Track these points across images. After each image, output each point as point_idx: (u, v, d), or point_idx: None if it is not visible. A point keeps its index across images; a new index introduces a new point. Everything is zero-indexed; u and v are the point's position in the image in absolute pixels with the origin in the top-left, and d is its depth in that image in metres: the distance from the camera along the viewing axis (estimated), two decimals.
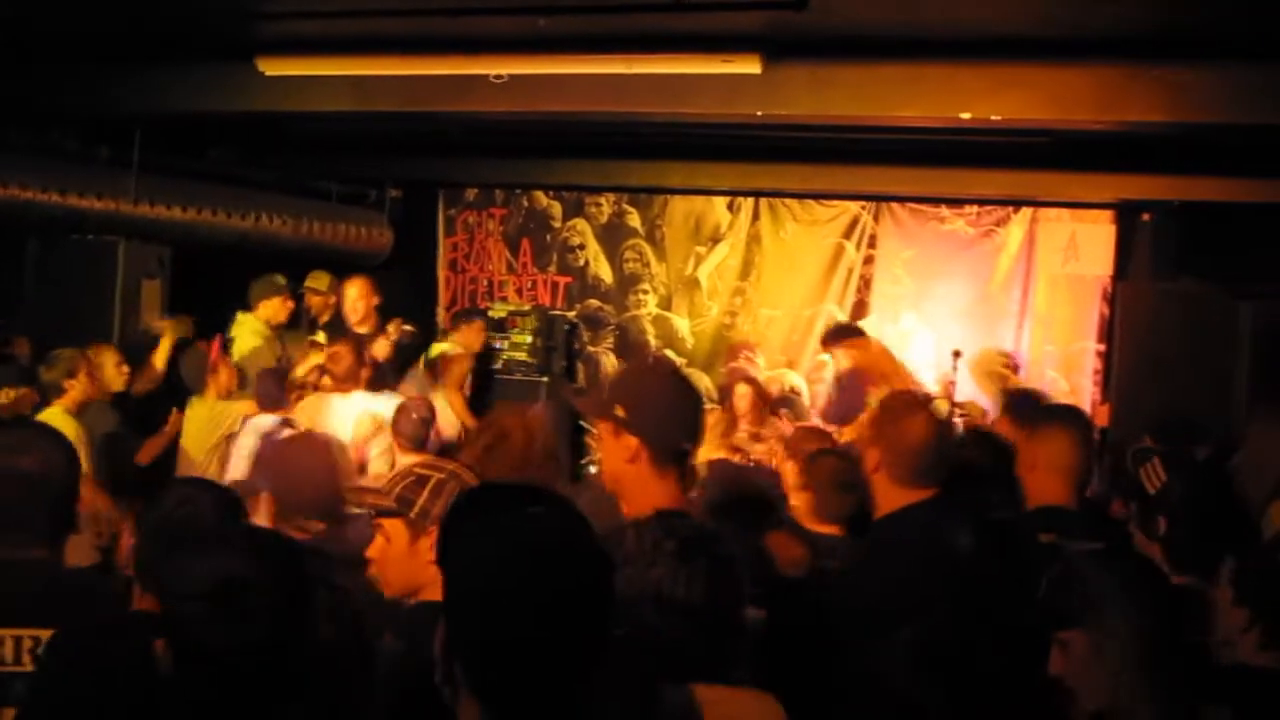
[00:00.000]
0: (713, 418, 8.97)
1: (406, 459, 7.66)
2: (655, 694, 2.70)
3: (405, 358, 10.62)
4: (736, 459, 8.03)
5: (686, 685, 2.81)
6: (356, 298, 10.39)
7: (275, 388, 8.64)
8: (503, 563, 2.14)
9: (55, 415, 7.86)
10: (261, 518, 4.63)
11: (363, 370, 8.90)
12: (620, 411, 3.47)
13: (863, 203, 12.98)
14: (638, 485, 3.46)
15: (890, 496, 4.16)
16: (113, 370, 8.89)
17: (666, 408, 3.52)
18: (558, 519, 2.23)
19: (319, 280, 10.97)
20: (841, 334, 10.99)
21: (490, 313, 13.13)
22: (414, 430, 7.82)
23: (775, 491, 6.12)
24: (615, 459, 3.48)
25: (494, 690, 2.12)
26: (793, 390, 13.07)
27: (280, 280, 10.40)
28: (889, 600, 3.69)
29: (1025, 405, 7.93)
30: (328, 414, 8.40)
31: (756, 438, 10.02)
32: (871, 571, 4.05)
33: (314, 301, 11.00)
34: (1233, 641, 3.71)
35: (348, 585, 3.32)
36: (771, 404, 11.52)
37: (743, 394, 10.96)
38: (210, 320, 10.95)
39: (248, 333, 9.93)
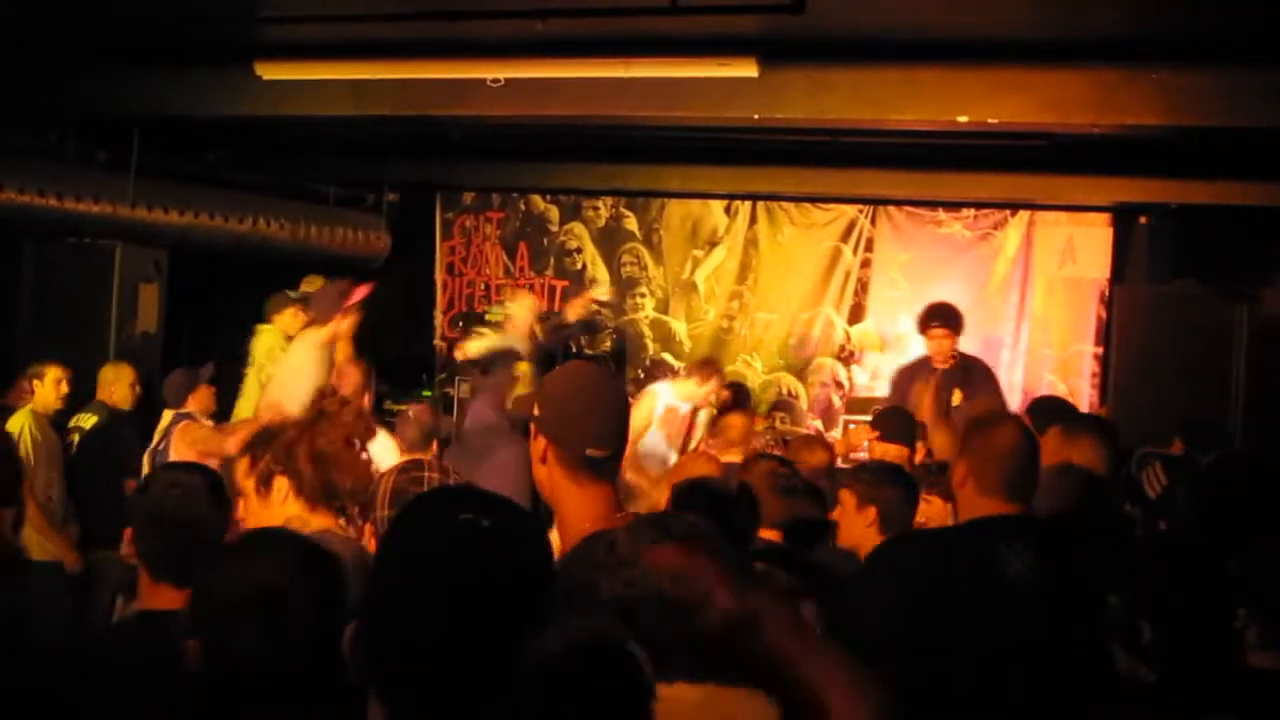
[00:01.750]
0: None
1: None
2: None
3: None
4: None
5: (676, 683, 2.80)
6: (529, 310, 10.18)
7: (180, 384, 8.46)
8: (407, 565, 2.11)
9: (22, 414, 8.29)
10: None
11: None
12: (536, 410, 3.28)
13: (860, 206, 12.99)
14: (557, 492, 3.24)
15: (976, 505, 4.03)
16: (124, 388, 8.91)
17: (574, 408, 3.26)
18: (486, 528, 2.14)
19: (314, 284, 10.96)
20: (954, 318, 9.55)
21: (487, 316, 13.13)
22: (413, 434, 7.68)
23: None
24: (535, 462, 3.28)
25: (393, 692, 2.09)
26: (789, 392, 13.08)
27: (290, 293, 10.32)
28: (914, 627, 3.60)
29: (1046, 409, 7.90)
30: None
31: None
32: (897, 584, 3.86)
33: None
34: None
35: None
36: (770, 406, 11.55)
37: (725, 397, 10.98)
38: (206, 323, 10.98)
39: (269, 339, 9.81)
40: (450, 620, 2.05)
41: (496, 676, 2.09)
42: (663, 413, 9.83)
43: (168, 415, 8.38)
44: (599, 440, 3.22)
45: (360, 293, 9.05)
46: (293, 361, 8.58)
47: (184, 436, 8.03)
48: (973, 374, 9.21)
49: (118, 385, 8.90)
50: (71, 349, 8.73)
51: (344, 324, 8.97)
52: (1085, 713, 3.66)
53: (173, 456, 7.92)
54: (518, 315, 10.30)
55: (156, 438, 8.31)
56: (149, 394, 9.12)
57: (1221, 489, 5.65)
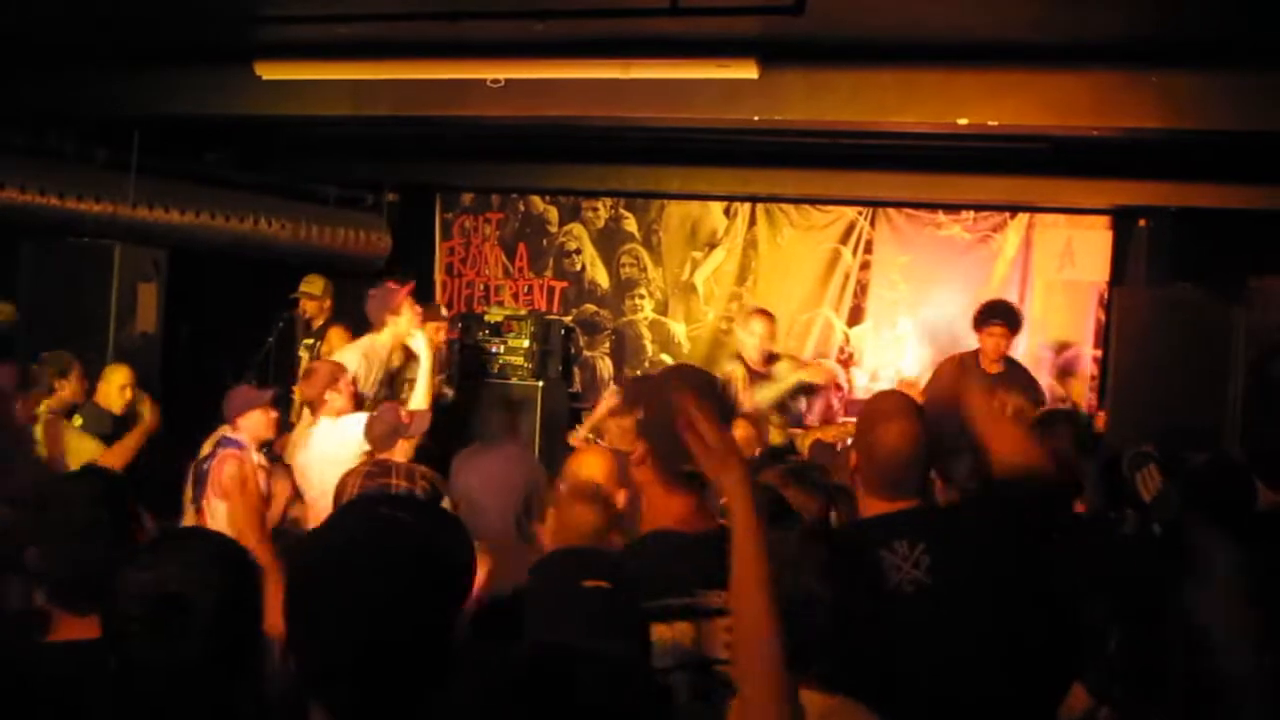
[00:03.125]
0: None
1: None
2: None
3: None
4: None
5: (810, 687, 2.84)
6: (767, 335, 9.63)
7: (236, 403, 7.81)
8: (324, 561, 2.12)
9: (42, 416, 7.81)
10: None
11: (330, 393, 7.87)
12: (640, 412, 3.33)
13: (859, 208, 12.97)
14: (646, 492, 3.28)
15: (865, 503, 4.01)
16: (115, 392, 8.64)
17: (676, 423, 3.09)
18: (399, 520, 2.16)
19: (313, 284, 10.92)
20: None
21: (486, 317, 13.12)
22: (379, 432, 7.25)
23: None
24: (634, 459, 3.31)
25: (324, 690, 2.09)
26: None
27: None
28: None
29: None
30: (304, 444, 7.73)
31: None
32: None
33: (308, 306, 10.95)
34: None
35: None
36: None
37: (739, 376, 10.95)
38: (205, 323, 10.95)
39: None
40: (371, 615, 2.05)
41: (428, 668, 2.11)
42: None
43: (224, 430, 7.83)
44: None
45: (405, 290, 8.94)
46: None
47: (221, 466, 7.37)
48: (1019, 375, 9.15)
49: (107, 386, 8.59)
50: (70, 349, 8.65)
51: (401, 321, 8.82)
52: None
53: (210, 486, 7.44)
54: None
55: (207, 448, 7.75)
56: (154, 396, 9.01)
57: (1210, 490, 5.64)
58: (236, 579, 2.68)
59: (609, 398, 8.90)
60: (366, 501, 2.36)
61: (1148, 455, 6.46)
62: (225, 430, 7.76)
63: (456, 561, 2.17)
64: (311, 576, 2.12)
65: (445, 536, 2.18)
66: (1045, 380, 12.24)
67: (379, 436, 7.20)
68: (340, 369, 7.97)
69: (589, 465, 5.18)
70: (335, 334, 10.44)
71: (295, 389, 10.12)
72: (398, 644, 2.06)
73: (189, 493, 7.74)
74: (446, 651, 2.13)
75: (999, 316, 9.14)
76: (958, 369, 8.80)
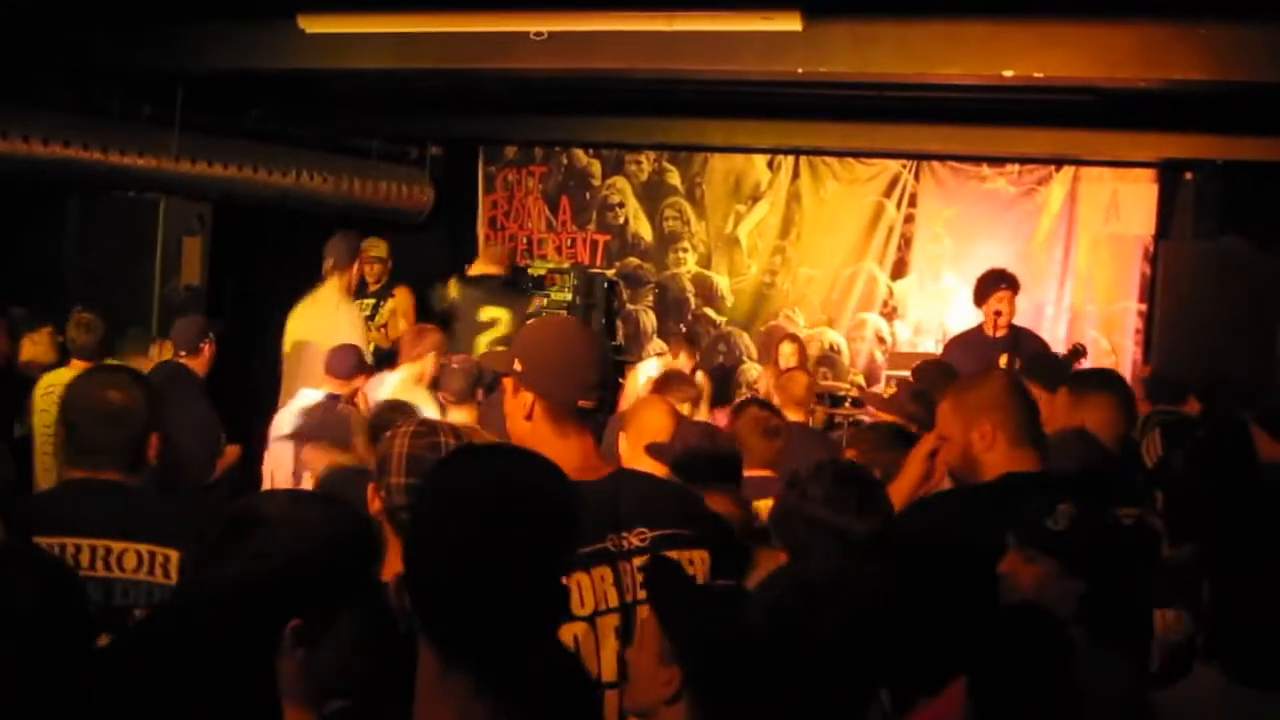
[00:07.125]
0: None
1: (455, 414, 7.14)
2: None
3: None
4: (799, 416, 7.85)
5: None
6: None
7: (348, 362, 7.59)
8: (451, 503, 2.16)
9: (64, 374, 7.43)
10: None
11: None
12: (518, 365, 3.33)
13: (903, 161, 12.94)
14: (538, 445, 3.18)
15: (1007, 465, 3.95)
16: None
17: (562, 362, 3.33)
18: (527, 469, 2.22)
19: (379, 248, 11.08)
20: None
21: (530, 270, 13.16)
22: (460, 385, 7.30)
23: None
24: (515, 417, 3.35)
25: (440, 630, 2.12)
26: (832, 348, 13.08)
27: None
28: None
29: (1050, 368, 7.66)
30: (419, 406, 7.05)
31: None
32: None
33: (376, 269, 11.10)
34: None
35: None
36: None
37: (787, 353, 11.05)
38: (250, 276, 10.99)
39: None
40: (492, 563, 2.09)
41: (539, 612, 2.19)
42: (646, 383, 9.74)
43: (323, 386, 7.46)
44: (589, 391, 3.31)
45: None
46: (328, 324, 8.48)
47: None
48: (1023, 340, 9.09)
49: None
50: (116, 302, 8.70)
51: (351, 274, 9.00)
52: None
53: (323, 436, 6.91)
54: None
55: (298, 416, 7.21)
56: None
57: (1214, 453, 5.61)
58: (323, 515, 2.60)
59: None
60: (485, 450, 2.39)
61: (1157, 416, 6.43)
62: (331, 388, 7.49)
63: (569, 509, 2.22)
64: (435, 515, 2.17)
65: (558, 486, 2.24)
66: (1090, 335, 12.24)
67: (461, 389, 7.27)
68: (444, 339, 8.22)
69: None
70: (402, 293, 10.87)
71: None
72: (511, 586, 2.11)
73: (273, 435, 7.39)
74: (555, 595, 2.22)
75: (1004, 281, 8.89)
76: (966, 351, 8.83)
